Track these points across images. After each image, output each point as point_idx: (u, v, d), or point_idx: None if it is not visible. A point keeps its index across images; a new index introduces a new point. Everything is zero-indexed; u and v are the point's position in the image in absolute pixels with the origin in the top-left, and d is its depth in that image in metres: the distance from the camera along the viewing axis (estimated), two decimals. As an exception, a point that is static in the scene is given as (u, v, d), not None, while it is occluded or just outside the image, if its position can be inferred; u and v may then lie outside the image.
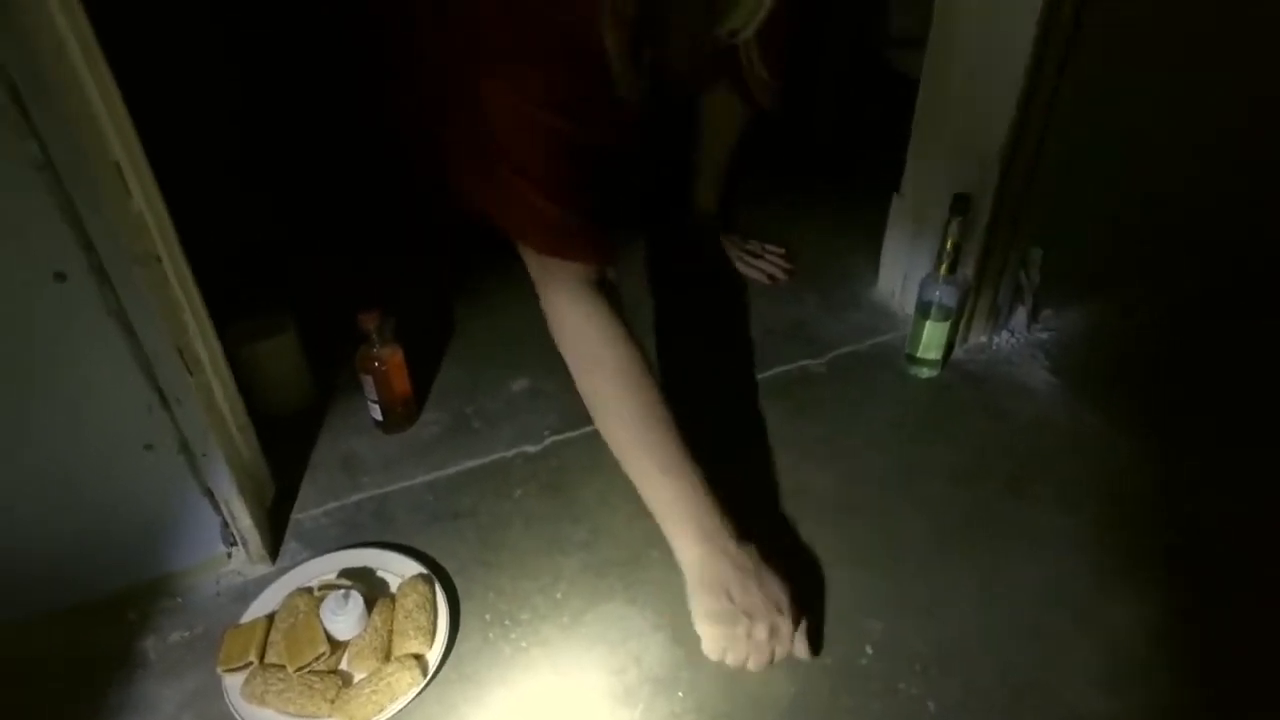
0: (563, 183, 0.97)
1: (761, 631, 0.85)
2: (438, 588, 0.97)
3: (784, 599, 0.87)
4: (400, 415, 1.18)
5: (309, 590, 0.96)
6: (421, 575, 0.97)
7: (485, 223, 1.03)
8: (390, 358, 1.14)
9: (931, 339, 1.24)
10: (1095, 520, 1.06)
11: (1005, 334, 1.35)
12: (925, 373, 1.28)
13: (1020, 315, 1.35)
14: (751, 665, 0.86)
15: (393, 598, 0.95)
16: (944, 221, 1.17)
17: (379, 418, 1.17)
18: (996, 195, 1.19)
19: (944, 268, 1.19)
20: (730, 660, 0.86)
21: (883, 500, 1.09)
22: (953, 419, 1.21)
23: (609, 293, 0.98)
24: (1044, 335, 1.35)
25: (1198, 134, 1.28)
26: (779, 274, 1.45)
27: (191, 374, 0.87)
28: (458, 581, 1.00)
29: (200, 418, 0.89)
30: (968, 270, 1.25)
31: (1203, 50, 1.20)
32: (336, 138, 1.48)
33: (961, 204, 1.15)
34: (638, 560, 1.02)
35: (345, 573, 0.98)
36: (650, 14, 0.95)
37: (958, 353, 1.32)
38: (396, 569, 0.99)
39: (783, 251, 1.49)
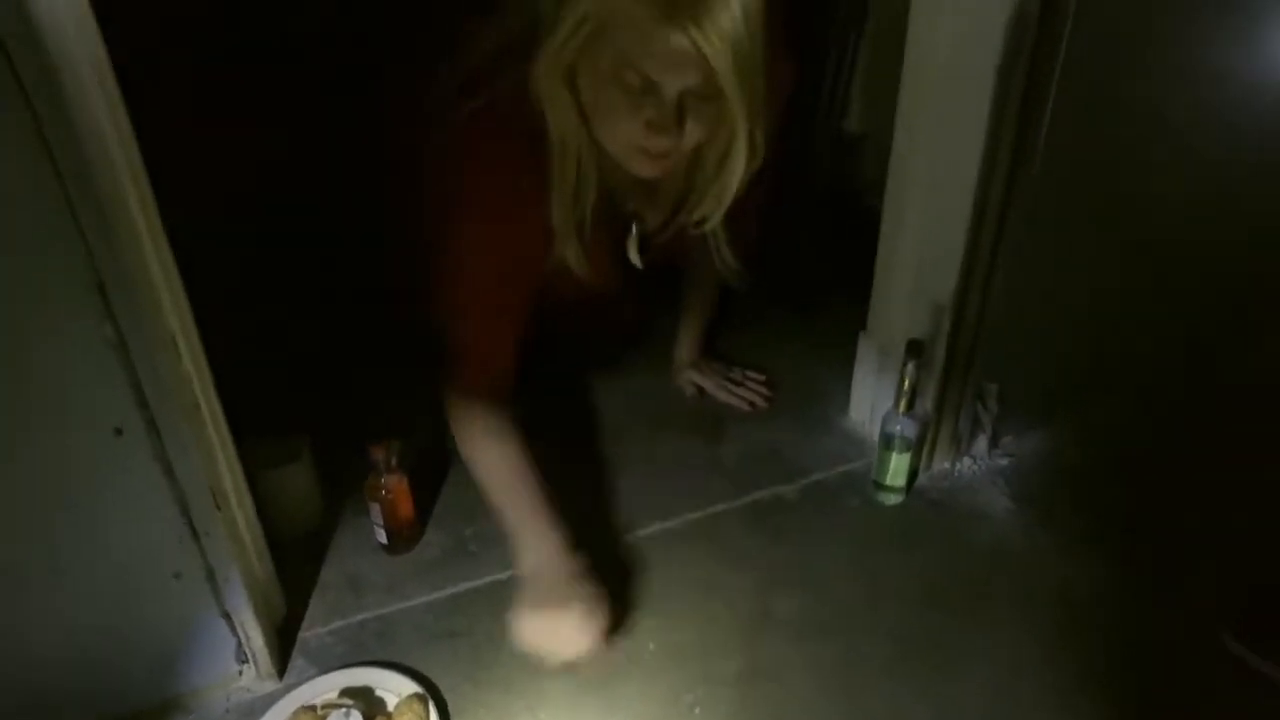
0: (490, 331, 1.18)
1: (564, 638, 1.02)
2: (431, 706, 1.05)
3: (589, 608, 1.04)
4: (404, 538, 1.28)
5: (312, 708, 1.04)
6: (417, 694, 1.06)
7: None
8: (396, 485, 1.25)
9: (895, 468, 1.34)
10: (1049, 643, 1.14)
11: (967, 460, 1.45)
12: (891, 499, 1.38)
13: (981, 443, 1.46)
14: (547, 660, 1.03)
15: (389, 715, 1.04)
16: (901, 363, 1.29)
17: (384, 540, 1.27)
18: (949, 339, 1.32)
19: (903, 404, 1.30)
20: (525, 644, 1.03)
21: (847, 624, 1.18)
22: (916, 545, 1.30)
23: (506, 415, 1.20)
24: (1004, 461, 1.46)
25: (1132, 280, 1.41)
26: (759, 400, 1.57)
27: (220, 509, 0.98)
28: (450, 698, 1.08)
29: (225, 547, 1.00)
30: (927, 404, 1.36)
31: (1128, 207, 1.34)
32: (353, 276, 1.64)
33: (915, 348, 1.27)
34: (616, 683, 1.10)
35: (346, 691, 1.07)
36: (617, 203, 1.11)
37: (922, 479, 1.42)
38: (394, 687, 1.08)
39: (763, 378, 1.61)
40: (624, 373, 1.64)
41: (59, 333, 0.84)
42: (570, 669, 1.04)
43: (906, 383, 1.29)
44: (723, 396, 1.58)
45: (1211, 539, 1.30)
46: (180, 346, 0.95)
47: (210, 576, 1.01)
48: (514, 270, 1.16)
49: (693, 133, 0.99)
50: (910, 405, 1.31)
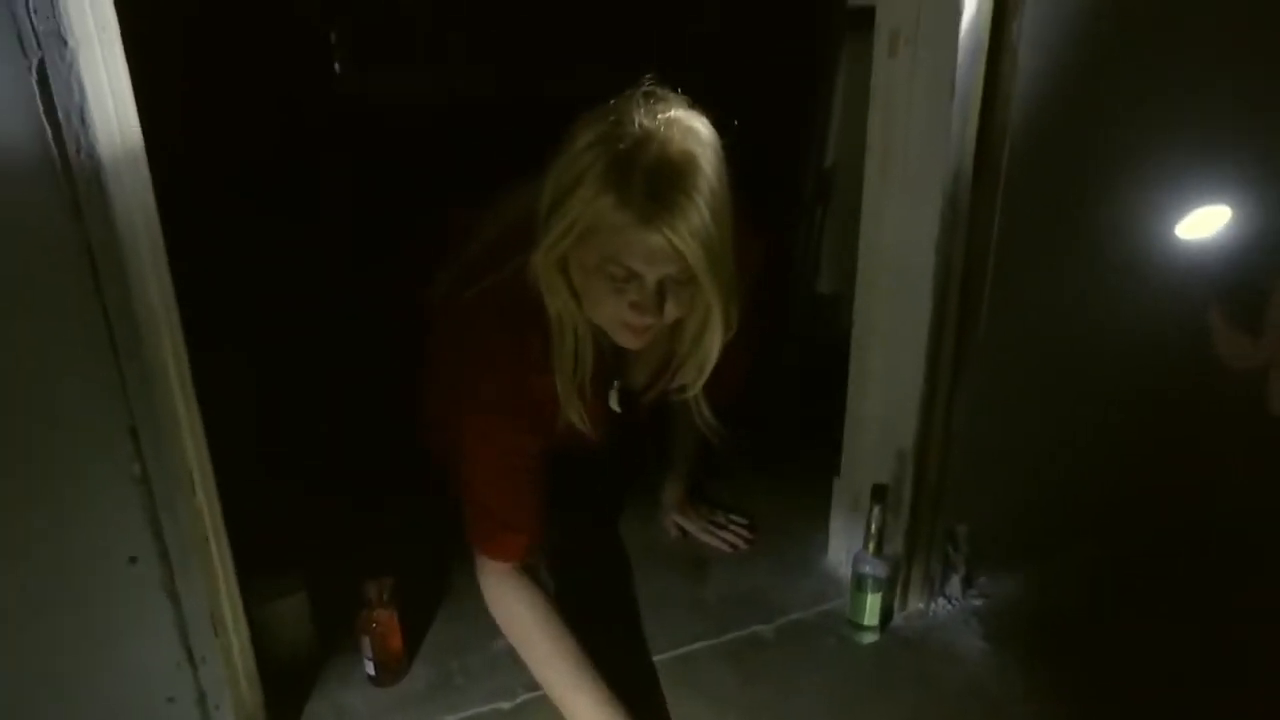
0: (510, 505, 1.26)
1: None
2: (406, 840, 1.07)
3: None
4: (391, 671, 1.33)
5: (291, 840, 1.06)
6: (393, 827, 1.08)
7: None
8: (387, 620, 1.30)
9: (869, 608, 1.39)
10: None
11: (941, 600, 1.50)
12: (866, 638, 1.41)
13: (954, 583, 1.51)
14: None
15: None
16: (868, 509, 1.36)
17: (372, 673, 1.31)
18: (914, 482, 1.40)
19: (872, 546, 1.37)
20: None
21: (819, 766, 1.20)
22: (888, 687, 1.33)
23: (530, 570, 1.29)
24: (978, 602, 1.50)
25: (1086, 427, 1.51)
26: (740, 543, 1.63)
27: (217, 635, 1.05)
28: (427, 834, 1.10)
29: (220, 673, 1.06)
30: (896, 546, 1.42)
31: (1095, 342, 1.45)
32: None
33: (879, 493, 1.35)
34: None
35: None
36: (608, 371, 1.23)
37: (897, 619, 1.46)
38: (372, 821, 1.10)
39: (746, 522, 1.68)
40: (609, 514, 1.71)
41: (90, 468, 0.95)
42: None
43: (874, 525, 1.36)
44: (705, 538, 1.64)
45: (1179, 689, 1.32)
46: (196, 482, 1.04)
47: (201, 701, 1.06)
48: (529, 435, 1.25)
49: (672, 311, 1.12)
50: (879, 547, 1.37)
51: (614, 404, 1.33)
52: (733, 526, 1.65)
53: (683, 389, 1.27)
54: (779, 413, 1.91)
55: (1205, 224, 1.44)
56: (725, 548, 1.62)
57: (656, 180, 1.01)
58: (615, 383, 1.33)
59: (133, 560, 0.98)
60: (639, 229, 1.02)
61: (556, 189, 1.06)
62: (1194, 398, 1.56)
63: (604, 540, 1.64)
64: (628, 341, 1.17)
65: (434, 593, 1.51)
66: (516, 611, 1.26)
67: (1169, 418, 1.55)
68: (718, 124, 1.09)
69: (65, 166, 0.84)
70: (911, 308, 1.30)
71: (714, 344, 1.18)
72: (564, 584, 1.52)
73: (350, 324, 1.80)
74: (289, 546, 1.41)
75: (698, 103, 1.09)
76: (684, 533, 1.66)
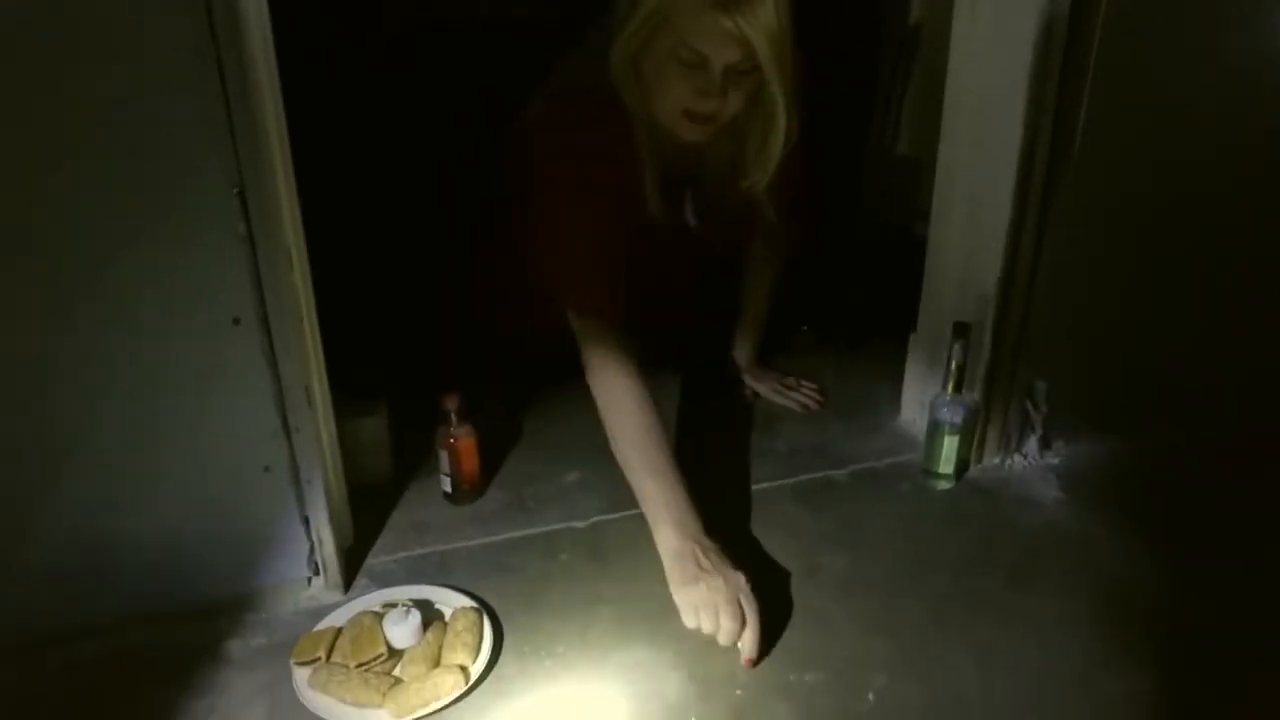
0: (606, 262, 1.30)
1: (726, 598, 1.04)
2: (485, 618, 1.09)
3: (743, 582, 1.07)
4: (467, 490, 1.36)
5: (374, 610, 1.10)
6: (473, 607, 1.11)
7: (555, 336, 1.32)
8: (464, 438, 1.33)
9: (945, 453, 1.37)
10: (1092, 612, 1.13)
11: (1018, 458, 1.47)
12: (940, 485, 1.40)
13: (1032, 443, 1.48)
14: (722, 635, 1.04)
15: (445, 621, 1.09)
16: (948, 346, 1.35)
17: (448, 490, 1.35)
18: (995, 328, 1.38)
19: (950, 386, 1.35)
20: (705, 624, 1.05)
21: (892, 582, 1.19)
22: (962, 522, 1.32)
23: (630, 350, 1.27)
24: (1055, 461, 1.47)
25: (1180, 285, 1.46)
26: (811, 404, 1.62)
27: (310, 407, 1.08)
28: (503, 619, 1.12)
29: (313, 447, 1.09)
30: (975, 393, 1.40)
31: (1191, 197, 1.40)
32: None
33: (961, 329, 1.33)
34: (664, 615, 1.12)
35: (407, 601, 1.12)
36: (686, 168, 1.27)
37: (972, 472, 1.44)
38: (451, 602, 1.13)
39: (815, 386, 1.67)
40: (681, 378, 1.72)
41: (199, 222, 0.98)
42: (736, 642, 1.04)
43: (954, 363, 1.34)
44: (776, 398, 1.64)
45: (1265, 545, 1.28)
46: (294, 259, 1.08)
47: (295, 476, 1.10)
48: (618, 207, 1.31)
49: (734, 100, 1.20)
50: (958, 388, 1.35)
51: (690, 216, 1.35)
52: (804, 388, 1.65)
53: (750, 186, 1.33)
54: (850, 289, 1.89)
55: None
56: (796, 408, 1.62)
57: None
58: (689, 191, 1.36)
59: (236, 321, 1.02)
60: (712, 12, 1.12)
61: None
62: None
63: (674, 398, 1.65)
64: (690, 133, 1.23)
65: (509, 434, 1.54)
66: (617, 383, 1.24)
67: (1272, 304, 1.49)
68: None
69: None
70: (1000, 140, 1.28)
71: (777, 145, 1.26)
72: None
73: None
74: (375, 373, 1.45)
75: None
76: (755, 395, 1.66)
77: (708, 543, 1.11)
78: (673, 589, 1.10)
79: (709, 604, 1.05)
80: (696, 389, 1.68)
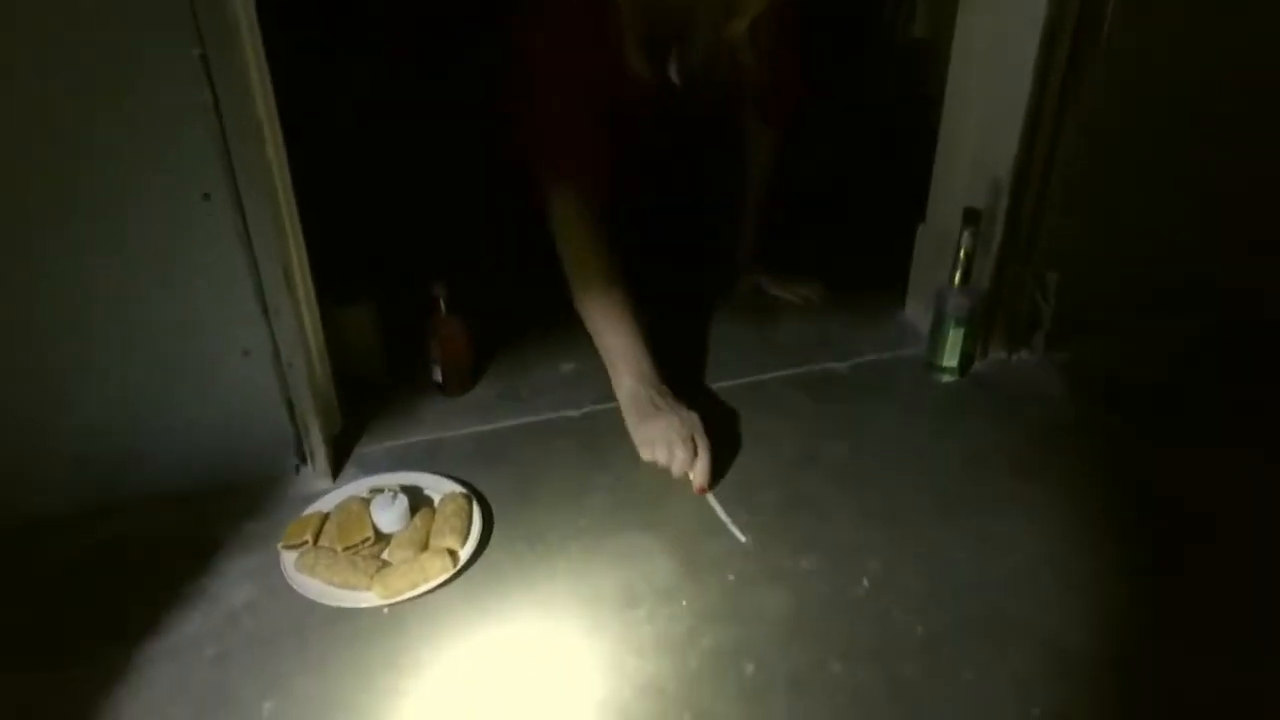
0: (584, 125, 1.29)
1: (680, 434, 1.09)
2: (474, 503, 1.08)
3: (697, 420, 1.12)
4: (458, 380, 1.33)
5: (361, 496, 1.08)
6: (461, 493, 1.09)
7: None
8: (455, 326, 1.29)
9: (949, 345, 1.33)
10: (1093, 501, 1.11)
11: (1024, 353, 1.43)
12: (944, 378, 1.36)
13: (1039, 337, 1.44)
14: (675, 465, 1.09)
15: (434, 507, 1.07)
16: (957, 235, 1.29)
17: (439, 379, 1.31)
18: (1008, 216, 1.31)
19: (958, 276, 1.30)
20: (659, 457, 1.11)
21: (892, 471, 1.17)
22: (965, 414, 1.29)
23: (598, 212, 1.29)
24: (1062, 356, 1.43)
25: (1211, 173, 1.38)
26: (814, 296, 1.58)
27: (290, 290, 1.04)
28: (494, 505, 1.10)
29: (292, 331, 1.05)
30: (983, 283, 1.35)
31: (1216, 86, 1.32)
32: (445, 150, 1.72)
33: (972, 216, 1.27)
34: (656, 502, 1.11)
35: (395, 488, 1.10)
36: (671, 23, 1.27)
37: (977, 366, 1.40)
38: (440, 488, 1.11)
39: (817, 281, 1.62)
40: (682, 267, 1.67)
41: (161, 92, 0.91)
42: (689, 475, 1.11)
43: (962, 252, 1.28)
44: (778, 291, 1.60)
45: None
46: (266, 133, 1.01)
47: (276, 358, 1.06)
48: (602, 61, 1.29)
49: None
50: (966, 278, 1.30)
51: (673, 74, 1.33)
52: (807, 280, 1.60)
53: (740, 69, 1.32)
54: (857, 174, 1.82)
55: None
56: (799, 300, 1.57)
57: None
58: (674, 49, 1.33)
59: (206, 196, 0.96)
60: None
61: None
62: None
63: (674, 288, 1.61)
64: None
65: (503, 323, 1.50)
66: (579, 230, 1.28)
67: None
68: None
69: None
70: (1023, 11, 1.19)
71: None
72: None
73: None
74: (363, 263, 1.41)
75: None
76: (758, 288, 1.61)
77: (664, 388, 1.18)
78: (630, 427, 1.16)
79: (664, 438, 1.10)
80: (695, 278, 1.64)
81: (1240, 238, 1.45)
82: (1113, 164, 1.32)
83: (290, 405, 1.10)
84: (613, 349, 1.22)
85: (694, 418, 1.12)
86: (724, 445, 1.19)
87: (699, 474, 1.09)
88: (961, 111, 1.34)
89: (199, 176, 0.96)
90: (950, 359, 1.35)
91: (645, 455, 1.13)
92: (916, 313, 1.51)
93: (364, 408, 1.30)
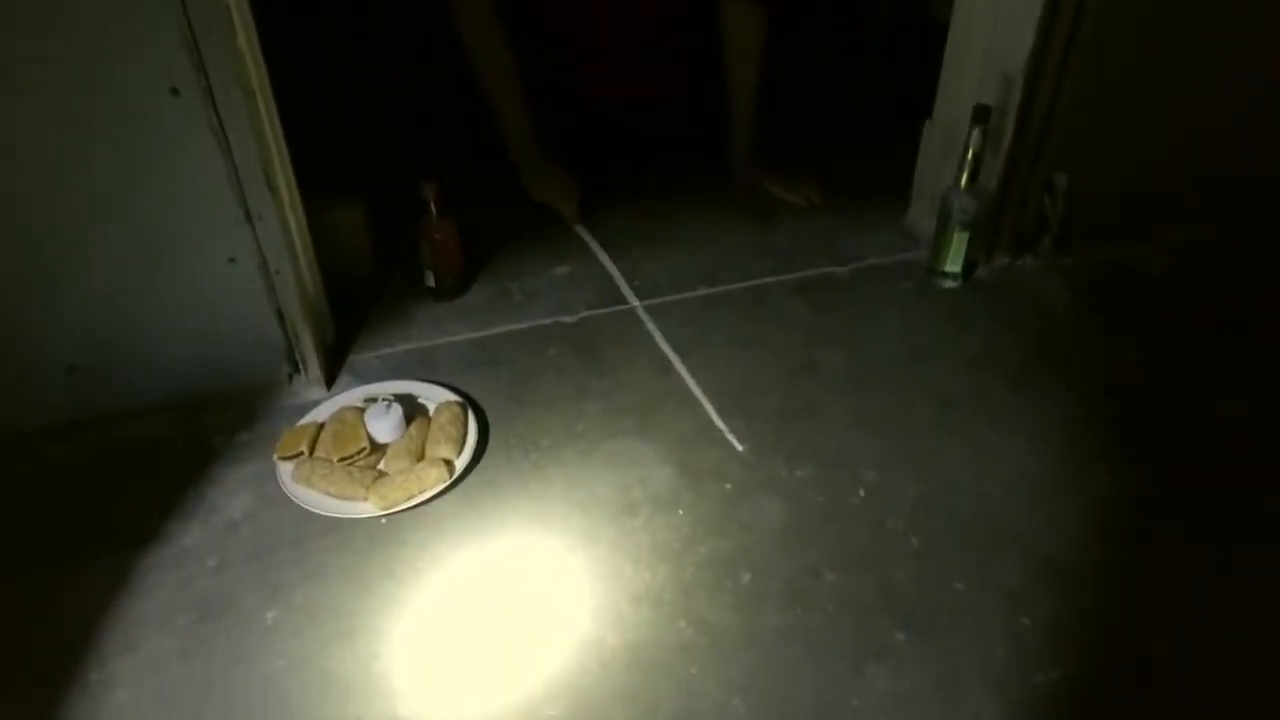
0: None
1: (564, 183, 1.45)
2: (469, 412, 1.07)
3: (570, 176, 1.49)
4: (451, 284, 1.30)
5: (356, 406, 1.07)
6: (456, 401, 1.08)
7: None
8: (446, 229, 1.26)
9: (953, 250, 1.30)
10: (1092, 411, 1.11)
11: (1029, 259, 1.40)
12: (946, 284, 1.34)
13: (1045, 242, 1.40)
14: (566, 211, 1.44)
15: (429, 416, 1.06)
16: (966, 133, 1.24)
17: (431, 284, 1.29)
18: (1020, 112, 1.26)
19: (965, 177, 1.26)
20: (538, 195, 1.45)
21: (889, 379, 1.16)
22: (966, 321, 1.27)
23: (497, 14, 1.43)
24: (1067, 262, 1.40)
25: (1237, 71, 1.32)
26: (814, 197, 1.53)
27: (272, 192, 1.00)
28: (489, 414, 1.10)
29: (278, 238, 1.02)
30: (990, 184, 1.31)
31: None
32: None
33: (982, 113, 1.21)
34: (653, 408, 1.11)
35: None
36: None
37: (980, 271, 1.37)
38: (435, 397, 1.10)
39: (819, 178, 1.57)
40: (679, 167, 1.62)
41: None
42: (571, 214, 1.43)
43: (971, 151, 1.24)
44: (778, 191, 1.55)
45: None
46: (235, 20, 0.95)
47: (263, 267, 1.03)
48: None
49: None
50: (973, 178, 1.26)
51: None
52: (807, 180, 1.55)
53: None
54: (861, 79, 1.74)
55: None
56: (799, 200, 1.53)
57: None
58: None
59: (174, 91, 0.91)
60: None
61: None
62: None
63: (669, 187, 1.56)
64: None
65: (495, 225, 1.46)
66: (486, 31, 1.43)
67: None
68: None
69: None
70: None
71: None
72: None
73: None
74: (350, 168, 1.35)
75: None
76: (756, 187, 1.56)
77: (547, 148, 1.50)
78: (525, 182, 1.50)
79: (552, 189, 1.46)
80: (692, 180, 1.59)
81: (1253, 142, 1.40)
82: (1129, 58, 1.26)
83: (280, 314, 1.08)
84: (507, 122, 1.49)
85: (564, 171, 1.48)
86: (723, 351, 1.18)
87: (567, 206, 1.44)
88: (973, 1, 1.27)
89: (165, 68, 0.90)
90: (954, 264, 1.32)
91: (534, 197, 1.49)
92: (920, 214, 1.47)
93: (356, 312, 1.28)
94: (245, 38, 0.98)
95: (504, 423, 1.09)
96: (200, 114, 0.93)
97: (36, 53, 0.86)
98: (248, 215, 1.00)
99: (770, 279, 1.34)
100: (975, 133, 1.22)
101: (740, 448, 1.05)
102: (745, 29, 1.47)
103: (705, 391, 1.13)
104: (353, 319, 1.26)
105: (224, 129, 0.94)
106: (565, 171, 1.51)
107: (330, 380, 1.15)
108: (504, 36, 1.44)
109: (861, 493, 0.99)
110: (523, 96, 1.48)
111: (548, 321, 1.26)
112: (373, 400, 1.06)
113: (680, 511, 0.97)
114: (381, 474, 1.00)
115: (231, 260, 1.02)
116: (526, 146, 1.52)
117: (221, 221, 1.00)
